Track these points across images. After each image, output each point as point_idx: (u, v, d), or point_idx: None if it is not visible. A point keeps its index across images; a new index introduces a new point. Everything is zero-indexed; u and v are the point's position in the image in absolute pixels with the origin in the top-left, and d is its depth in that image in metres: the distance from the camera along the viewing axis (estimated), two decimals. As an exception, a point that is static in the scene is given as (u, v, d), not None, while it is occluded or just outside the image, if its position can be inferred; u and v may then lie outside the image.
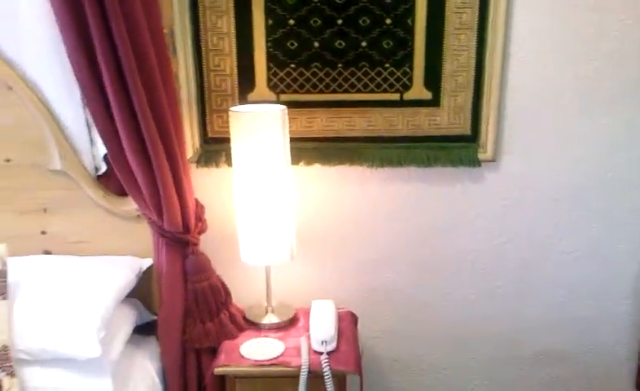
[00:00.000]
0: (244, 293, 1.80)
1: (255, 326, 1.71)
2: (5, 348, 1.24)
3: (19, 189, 1.61)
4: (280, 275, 1.79)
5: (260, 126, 1.51)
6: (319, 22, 1.61)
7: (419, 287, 1.89)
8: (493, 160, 1.74)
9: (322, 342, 1.55)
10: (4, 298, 1.27)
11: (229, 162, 1.71)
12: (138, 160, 1.40)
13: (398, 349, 1.97)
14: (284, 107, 1.56)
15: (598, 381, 1.98)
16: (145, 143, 1.38)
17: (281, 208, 1.59)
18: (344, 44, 1.63)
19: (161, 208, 1.48)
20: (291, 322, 1.73)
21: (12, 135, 1.56)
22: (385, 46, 1.63)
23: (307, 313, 1.74)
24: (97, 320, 1.34)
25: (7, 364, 1.23)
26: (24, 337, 1.31)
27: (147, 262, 1.66)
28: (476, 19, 1.61)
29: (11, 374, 1.23)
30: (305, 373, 1.50)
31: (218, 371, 1.54)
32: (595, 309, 1.90)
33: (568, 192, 1.79)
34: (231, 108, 1.56)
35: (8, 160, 1.59)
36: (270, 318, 1.72)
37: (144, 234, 1.65)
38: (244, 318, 1.73)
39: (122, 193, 1.64)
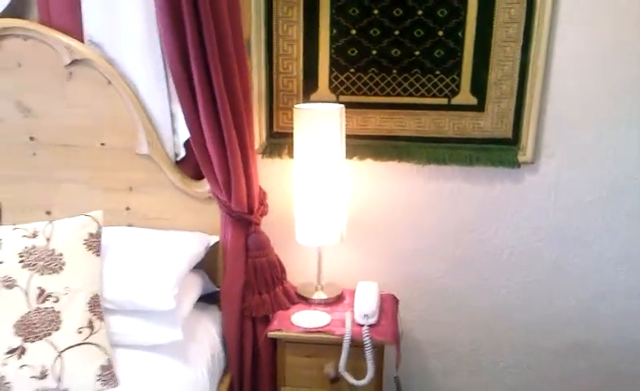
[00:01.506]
0: (297, 272, 2.00)
1: (305, 301, 1.91)
2: (96, 296, 1.48)
3: (110, 169, 1.85)
4: (330, 257, 1.97)
5: (320, 122, 1.71)
6: (378, 32, 1.80)
7: (457, 277, 2.05)
8: (532, 163, 1.88)
9: (365, 315, 1.74)
10: (97, 255, 1.51)
11: (290, 154, 1.92)
12: (216, 148, 1.62)
13: (435, 334, 2.12)
14: (342, 106, 1.75)
15: (626, 375, 2.08)
16: (222, 134, 1.60)
17: (334, 196, 1.79)
18: (399, 52, 1.81)
19: (231, 190, 1.70)
20: (338, 300, 1.92)
21: (108, 123, 1.81)
22: (436, 55, 1.80)
23: (352, 293, 1.92)
24: (172, 279, 1.57)
25: (98, 309, 1.47)
26: (110, 290, 1.54)
27: (214, 239, 1.87)
28: (522, 33, 1.76)
29: (101, 318, 1.47)
30: (348, 341, 1.70)
31: (271, 334, 1.76)
32: (625, 307, 2.00)
33: (603, 195, 1.90)
34: (296, 105, 1.77)
35: (103, 144, 1.83)
36: (319, 295, 1.92)
37: (213, 214, 1.86)
38: (296, 293, 1.94)
39: (196, 177, 1.88)
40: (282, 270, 1.90)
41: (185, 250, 1.71)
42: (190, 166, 1.88)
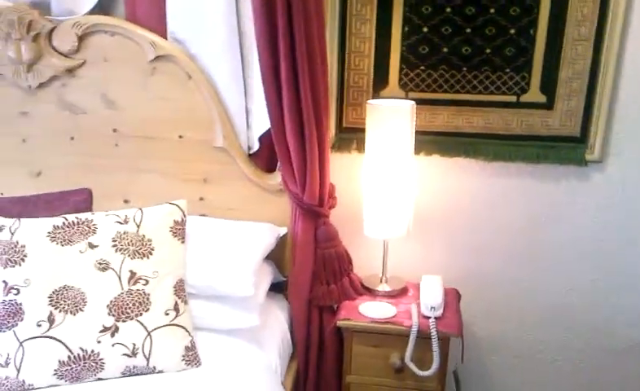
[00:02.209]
0: (362, 264, 2.05)
1: (370, 292, 1.96)
2: (181, 281, 1.56)
3: (186, 161, 1.94)
4: (394, 251, 2.02)
5: (392, 118, 1.76)
6: (450, 30, 1.83)
7: (519, 274, 2.07)
8: (600, 161, 1.88)
9: (431, 308, 1.78)
10: (182, 242, 1.59)
11: (359, 149, 1.97)
12: (295, 140, 1.69)
13: (495, 330, 2.15)
14: (413, 102, 1.79)
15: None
16: (303, 127, 1.67)
17: (403, 190, 1.83)
18: (470, 50, 1.84)
19: (305, 182, 1.76)
20: (402, 292, 1.97)
21: (187, 116, 1.89)
22: (507, 53, 1.82)
23: (415, 286, 1.97)
24: (251, 267, 1.65)
25: (182, 293, 1.55)
26: (192, 275, 1.63)
27: (283, 230, 1.94)
28: (594, 32, 1.76)
29: (185, 301, 1.55)
30: (415, 332, 1.74)
31: (340, 323, 1.81)
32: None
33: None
34: (368, 101, 1.82)
35: (181, 137, 1.92)
36: (384, 287, 1.97)
37: (282, 206, 1.93)
38: (362, 284, 1.99)
39: (268, 170, 1.96)
40: (349, 261, 1.96)
41: (260, 239, 1.79)
42: (262, 159, 1.96)
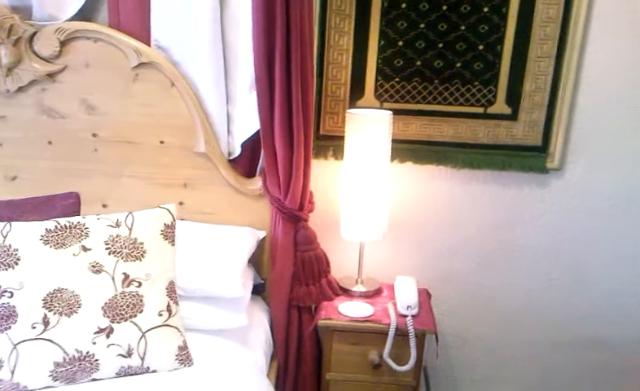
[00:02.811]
0: (337, 266, 2.13)
1: (346, 292, 2.05)
2: (172, 283, 1.59)
3: (167, 166, 1.96)
4: (368, 254, 2.11)
5: (371, 126, 1.85)
6: (423, 44, 1.94)
7: (484, 274, 2.20)
8: (559, 169, 2.04)
9: (408, 307, 1.88)
10: (172, 244, 1.62)
11: (335, 156, 2.06)
12: (284, 147, 1.76)
13: (461, 328, 2.27)
14: (391, 112, 1.89)
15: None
16: (292, 134, 1.74)
17: (379, 195, 1.92)
18: (441, 64, 1.96)
19: (289, 187, 1.83)
20: (376, 293, 2.06)
21: (169, 122, 1.92)
22: (476, 67, 1.95)
23: (389, 287, 2.07)
24: (239, 269, 1.70)
25: (174, 295, 1.58)
26: (182, 278, 1.66)
27: (262, 233, 1.99)
28: (555, 50, 1.91)
29: (176, 302, 1.58)
30: (393, 330, 1.83)
31: (321, 322, 1.88)
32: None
33: (623, 200, 2.07)
34: (348, 110, 1.90)
35: (162, 142, 1.95)
36: (359, 288, 2.05)
37: (261, 210, 1.99)
38: (338, 285, 2.07)
39: (247, 175, 2.01)
40: (327, 264, 2.03)
41: (244, 242, 1.84)
42: (241, 165, 2.01)
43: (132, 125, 1.93)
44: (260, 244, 2.00)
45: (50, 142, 1.95)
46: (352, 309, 1.92)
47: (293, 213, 1.91)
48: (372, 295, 2.04)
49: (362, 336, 1.89)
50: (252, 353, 1.72)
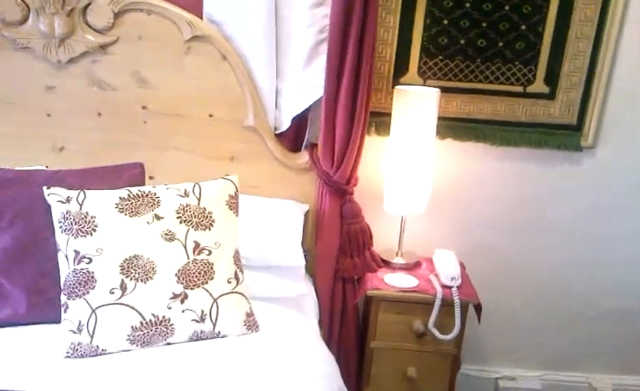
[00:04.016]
0: (375, 239, 2.19)
1: (387, 265, 2.11)
2: (237, 252, 1.63)
3: (215, 139, 1.99)
4: (406, 227, 2.18)
5: (419, 102, 1.91)
6: (468, 23, 1.99)
7: (517, 248, 2.28)
8: (592, 147, 2.12)
9: (452, 278, 1.95)
10: (236, 215, 1.66)
11: (377, 132, 2.10)
12: (345, 123, 1.81)
13: (489, 297, 2.34)
14: (438, 90, 1.94)
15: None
16: (354, 111, 1.80)
17: (423, 170, 1.98)
18: (484, 43, 2.01)
19: (342, 161, 1.88)
20: (416, 265, 2.13)
21: (218, 96, 1.95)
22: (517, 47, 2.01)
23: (427, 260, 2.14)
24: (298, 238, 1.76)
25: (239, 263, 1.63)
26: (245, 247, 1.70)
27: (306, 207, 2.04)
28: (594, 32, 1.99)
29: (242, 271, 1.63)
30: (440, 300, 1.91)
31: (370, 292, 1.95)
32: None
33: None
34: (396, 86, 1.96)
35: (211, 115, 1.97)
36: (399, 260, 2.12)
37: (305, 184, 2.04)
38: (380, 257, 2.14)
39: (292, 149, 2.05)
40: (371, 236, 2.09)
41: (297, 213, 1.90)
42: (287, 139, 2.05)
43: (182, 98, 1.95)
44: (305, 218, 2.04)
45: (99, 114, 1.96)
46: (397, 280, 1.99)
47: (340, 187, 1.96)
48: (412, 267, 2.11)
49: (407, 306, 1.96)
50: (309, 321, 1.77)
